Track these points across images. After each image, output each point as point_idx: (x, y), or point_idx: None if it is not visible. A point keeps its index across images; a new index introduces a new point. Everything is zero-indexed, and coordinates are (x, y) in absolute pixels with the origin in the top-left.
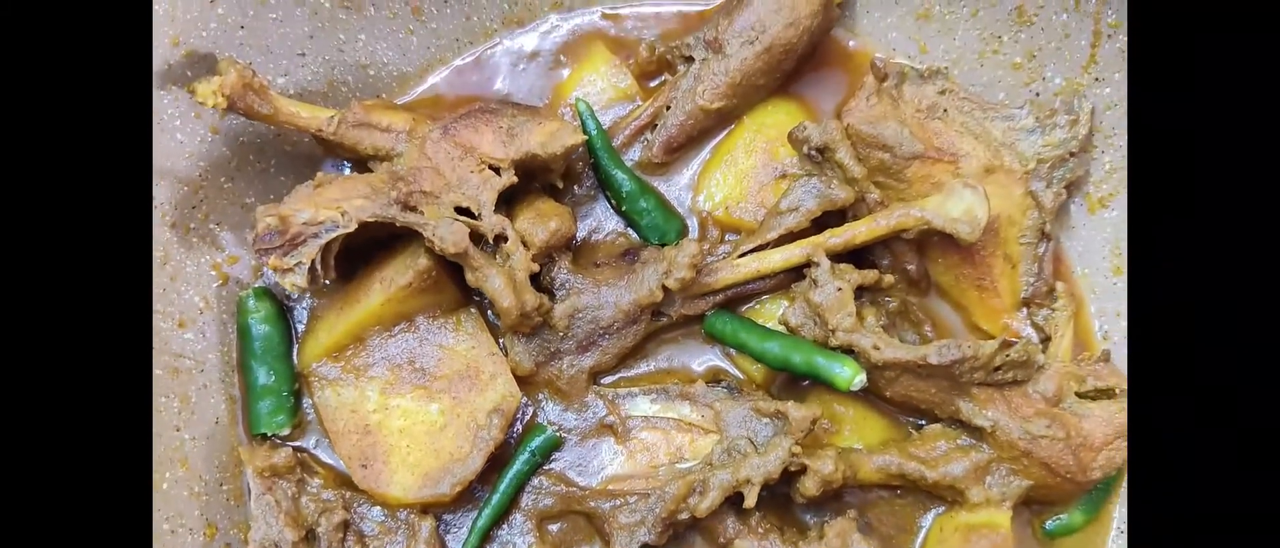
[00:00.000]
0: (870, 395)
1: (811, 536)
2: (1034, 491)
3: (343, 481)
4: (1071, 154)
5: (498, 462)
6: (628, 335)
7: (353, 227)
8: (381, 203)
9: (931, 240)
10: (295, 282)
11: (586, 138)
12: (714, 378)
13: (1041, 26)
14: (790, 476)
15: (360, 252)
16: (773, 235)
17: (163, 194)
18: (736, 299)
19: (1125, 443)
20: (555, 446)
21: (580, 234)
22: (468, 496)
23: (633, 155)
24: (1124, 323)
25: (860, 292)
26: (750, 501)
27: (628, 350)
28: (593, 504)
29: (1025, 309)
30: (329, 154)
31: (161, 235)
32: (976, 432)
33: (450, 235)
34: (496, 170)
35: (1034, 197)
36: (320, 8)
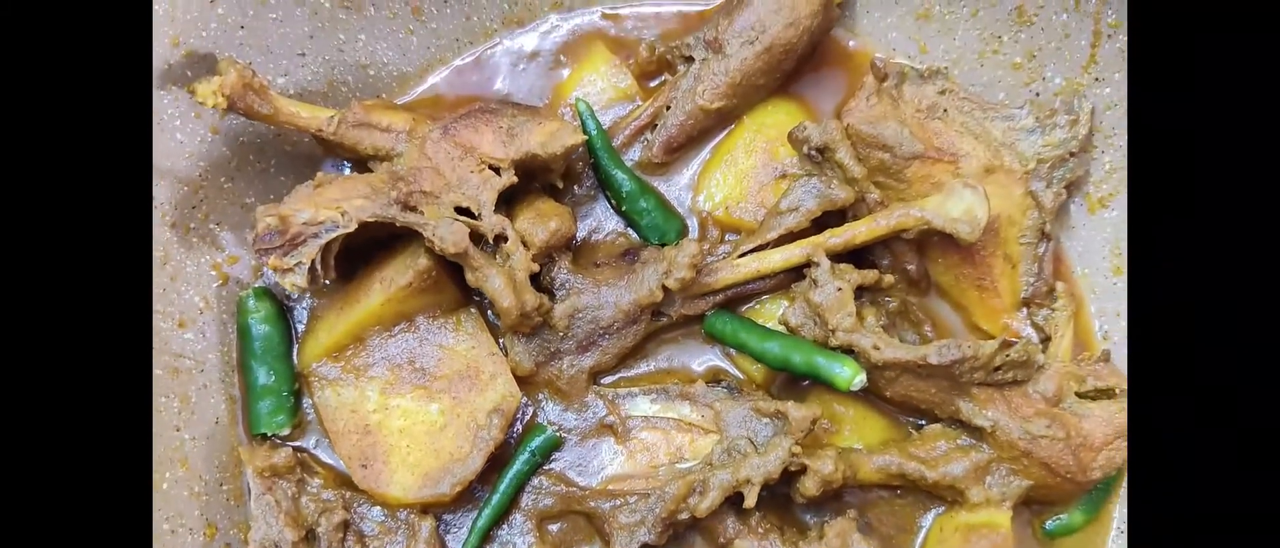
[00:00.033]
0: (870, 395)
1: (811, 536)
2: (1034, 490)
3: (343, 481)
4: (1071, 154)
5: (498, 462)
6: (628, 335)
7: (353, 227)
8: (381, 203)
9: (931, 240)
10: (295, 282)
11: (586, 138)
12: (714, 378)
13: (1041, 26)
14: (790, 476)
15: (360, 252)
16: (773, 235)
17: (163, 194)
18: (736, 299)
19: (1125, 443)
20: (555, 445)
21: (580, 234)
22: (468, 496)
23: (633, 155)
24: (1124, 323)
25: (860, 292)
26: (750, 501)
27: (628, 350)
28: (593, 504)
29: (1025, 309)
30: (329, 154)
31: (162, 235)
32: (976, 432)
33: (450, 235)
34: (496, 170)
35: (1034, 197)
36: (320, 8)
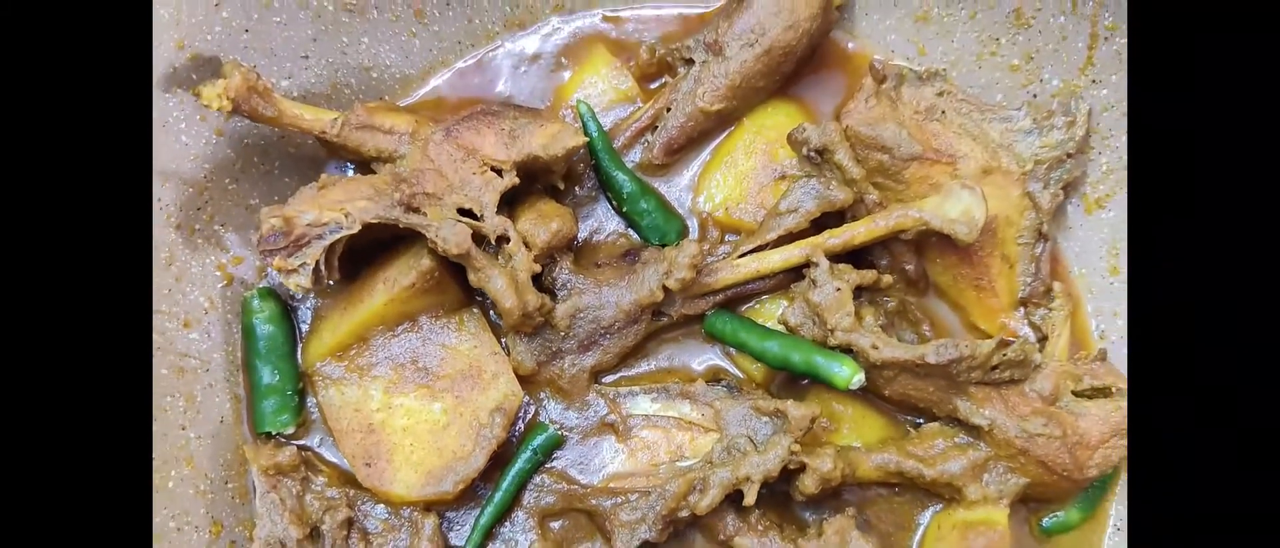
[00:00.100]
0: (869, 394)
1: (811, 533)
2: (1031, 488)
3: (347, 479)
4: (1068, 155)
5: (500, 460)
6: (628, 335)
7: (356, 228)
8: (385, 204)
9: (929, 241)
10: (299, 282)
11: (588, 140)
12: (714, 377)
13: (1039, 29)
14: (789, 473)
15: (364, 252)
16: (772, 236)
17: (168, 196)
18: (736, 299)
19: (1121, 441)
20: (557, 444)
21: (581, 235)
22: (470, 493)
23: (633, 157)
24: (1120, 322)
25: (859, 292)
26: (750, 498)
27: (628, 350)
28: (594, 502)
29: (1022, 309)
30: (332, 156)
31: (167, 236)
32: (974, 430)
33: (453, 236)
34: (498, 172)
35: (1031, 197)
36: (324, 11)
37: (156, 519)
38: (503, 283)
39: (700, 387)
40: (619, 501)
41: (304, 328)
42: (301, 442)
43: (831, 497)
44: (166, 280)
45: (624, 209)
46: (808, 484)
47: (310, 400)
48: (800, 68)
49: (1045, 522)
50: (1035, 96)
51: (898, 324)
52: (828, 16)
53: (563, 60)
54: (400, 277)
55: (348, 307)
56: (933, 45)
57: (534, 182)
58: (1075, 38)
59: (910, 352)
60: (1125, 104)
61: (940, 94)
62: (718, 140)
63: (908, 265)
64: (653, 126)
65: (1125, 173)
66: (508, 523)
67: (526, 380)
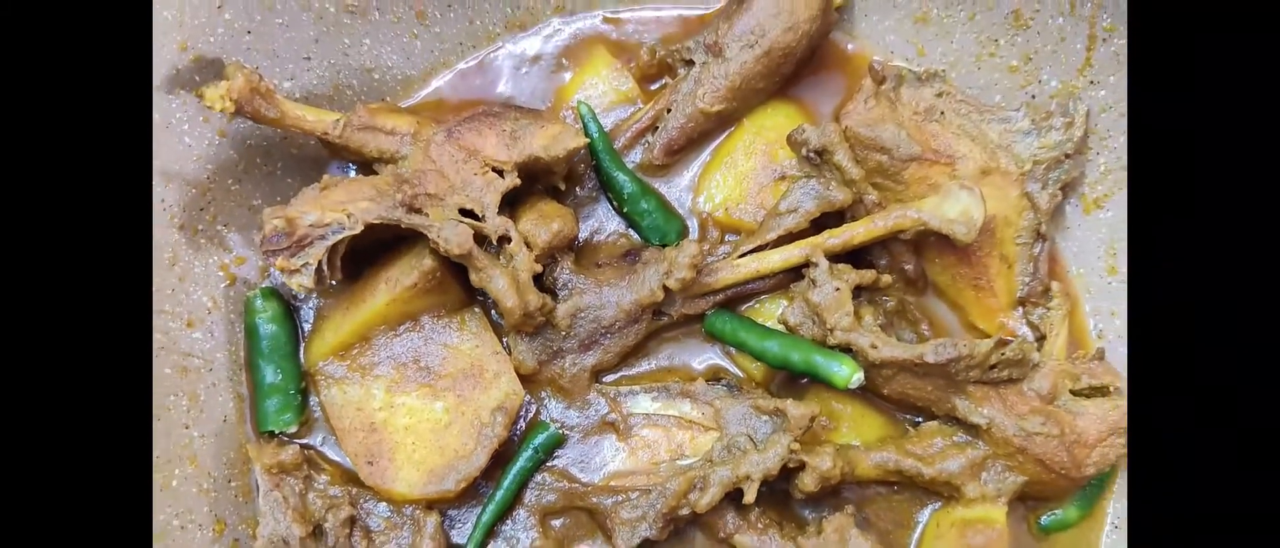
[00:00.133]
0: (868, 393)
1: (810, 531)
2: (1029, 487)
3: (349, 477)
4: (1067, 156)
5: (501, 459)
6: (629, 334)
7: (358, 228)
8: (386, 205)
9: (928, 241)
10: (302, 282)
11: (588, 140)
12: (714, 376)
13: (1037, 30)
14: (789, 472)
15: (366, 253)
16: (772, 236)
17: (171, 196)
18: (736, 299)
19: (1119, 439)
20: (558, 443)
21: (582, 235)
22: (472, 492)
23: (634, 157)
24: (1118, 322)
25: (858, 291)
26: (750, 496)
27: (629, 349)
28: (595, 500)
29: (1021, 308)
30: (334, 157)
31: (170, 237)
32: (972, 429)
33: (455, 237)
34: (500, 173)
35: (1030, 198)
36: (325, 12)
37: (160, 518)
38: (504, 283)
39: (700, 386)
40: (620, 499)
41: (306, 328)
42: (304, 441)
43: (831, 495)
44: (170, 280)
45: (624, 209)
46: (807, 483)
47: (313, 399)
48: (800, 69)
49: (1043, 520)
50: (1034, 97)
51: (896, 324)
52: (827, 18)
53: (563, 61)
54: (402, 277)
55: (350, 306)
56: (932, 46)
57: (535, 182)
58: (1073, 39)
59: (909, 351)
60: (1123, 105)
61: (939, 95)
62: (718, 141)
63: (907, 265)
64: (653, 127)
65: (1123, 173)
66: (509, 521)
67: (528, 380)
